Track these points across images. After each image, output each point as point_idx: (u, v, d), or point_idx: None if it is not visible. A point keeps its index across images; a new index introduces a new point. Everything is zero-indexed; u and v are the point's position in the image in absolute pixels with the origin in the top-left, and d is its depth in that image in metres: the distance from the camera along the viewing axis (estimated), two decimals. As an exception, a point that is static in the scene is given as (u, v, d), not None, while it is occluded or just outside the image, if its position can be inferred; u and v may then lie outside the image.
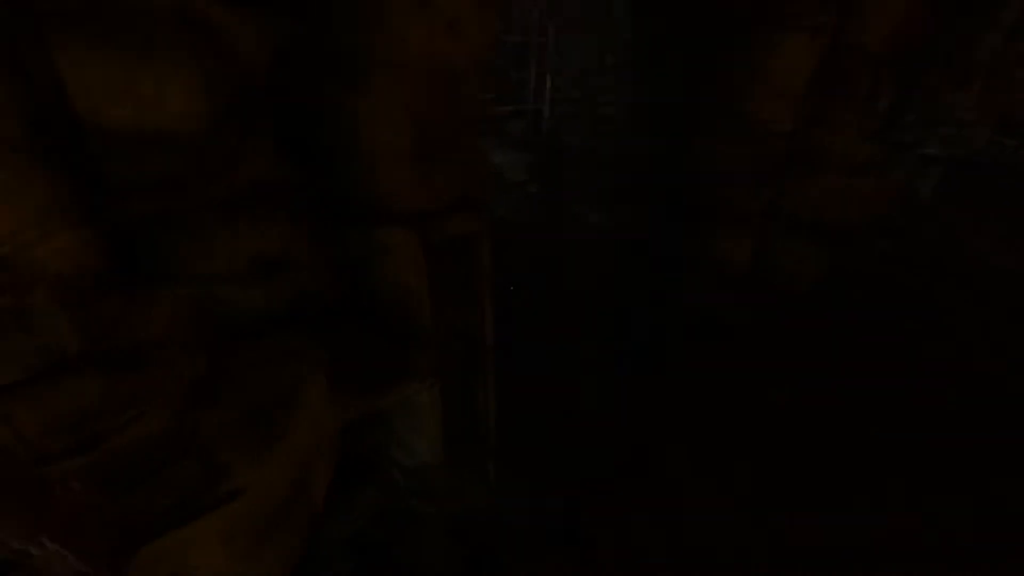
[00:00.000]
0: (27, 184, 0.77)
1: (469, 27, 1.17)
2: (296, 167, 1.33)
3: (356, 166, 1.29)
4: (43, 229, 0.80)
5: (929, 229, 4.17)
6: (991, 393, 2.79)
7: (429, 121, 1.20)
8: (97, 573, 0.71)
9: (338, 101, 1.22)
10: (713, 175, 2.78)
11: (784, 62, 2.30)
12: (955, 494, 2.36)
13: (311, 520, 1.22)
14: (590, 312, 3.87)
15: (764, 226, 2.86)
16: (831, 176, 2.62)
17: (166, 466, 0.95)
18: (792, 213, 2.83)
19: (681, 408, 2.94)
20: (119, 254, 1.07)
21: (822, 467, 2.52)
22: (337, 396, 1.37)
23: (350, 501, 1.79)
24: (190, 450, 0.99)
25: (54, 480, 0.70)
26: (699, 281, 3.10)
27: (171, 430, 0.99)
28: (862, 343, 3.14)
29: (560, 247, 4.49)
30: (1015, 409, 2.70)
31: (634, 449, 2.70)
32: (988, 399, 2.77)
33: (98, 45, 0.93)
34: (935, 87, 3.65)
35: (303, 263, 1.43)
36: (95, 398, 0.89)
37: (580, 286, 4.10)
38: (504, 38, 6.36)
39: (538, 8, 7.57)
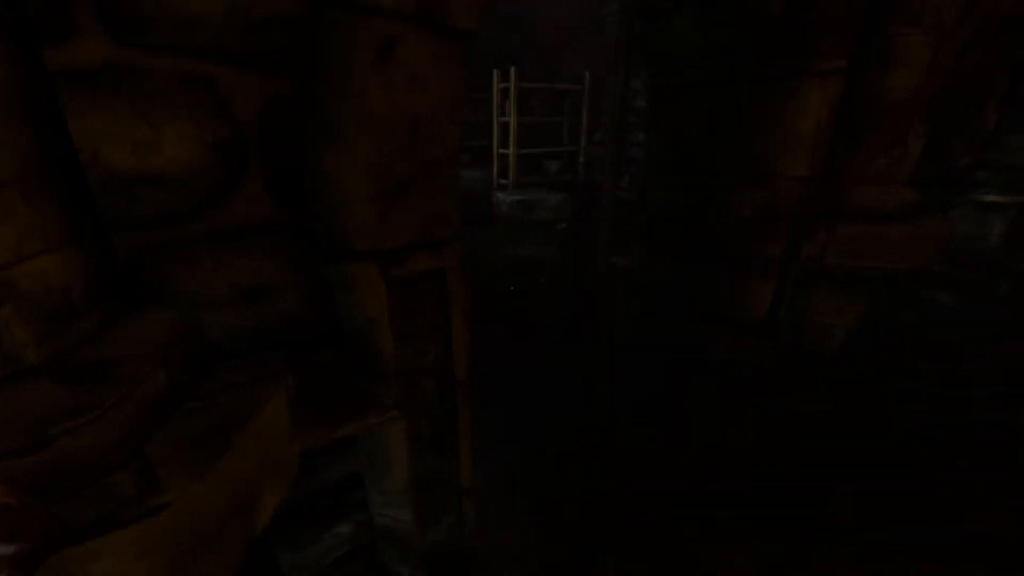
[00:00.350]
0: (10, 215, 0.90)
1: (429, 80, 1.25)
2: (282, 205, 1.45)
3: (327, 206, 1.38)
4: (19, 253, 0.92)
5: (1009, 285, 3.73)
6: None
7: (390, 166, 1.27)
8: (4, 572, 0.76)
9: (313, 147, 1.34)
10: (727, 218, 2.69)
11: (794, 106, 2.23)
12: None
13: (247, 547, 1.24)
14: (606, 354, 3.75)
15: (785, 272, 2.69)
16: (857, 222, 2.44)
17: (107, 476, 1.02)
18: (817, 260, 2.64)
19: (696, 466, 2.72)
20: (107, 277, 1.21)
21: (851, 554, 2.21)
22: (296, 422, 1.42)
23: (320, 534, 1.80)
24: (132, 462, 1.05)
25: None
26: (716, 326, 2.94)
27: (120, 441, 1.07)
28: (893, 409, 2.78)
29: (580, 286, 4.44)
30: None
31: (641, 505, 2.51)
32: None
33: (106, 100, 1.09)
34: (992, 127, 3.36)
35: (284, 293, 1.53)
36: (51, 405, 0.98)
37: (596, 327, 4.00)
38: (552, 87, 6.71)
39: (578, 59, 7.90)
